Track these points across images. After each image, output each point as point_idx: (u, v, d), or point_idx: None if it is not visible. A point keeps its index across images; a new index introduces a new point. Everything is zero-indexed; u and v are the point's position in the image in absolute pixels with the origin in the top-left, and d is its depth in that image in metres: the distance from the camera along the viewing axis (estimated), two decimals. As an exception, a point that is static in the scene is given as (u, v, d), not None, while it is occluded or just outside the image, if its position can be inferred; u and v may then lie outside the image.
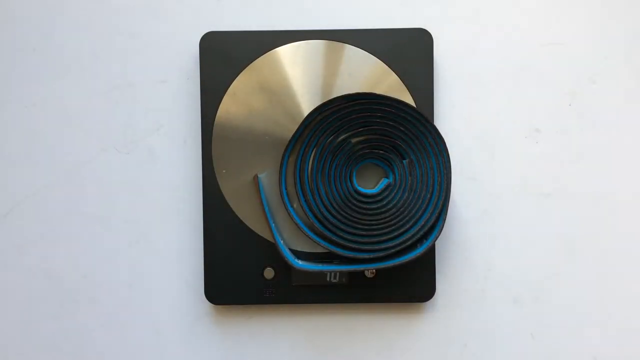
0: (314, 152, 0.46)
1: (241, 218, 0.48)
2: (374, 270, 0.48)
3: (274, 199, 0.48)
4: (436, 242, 0.48)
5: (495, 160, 0.50)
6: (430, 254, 0.48)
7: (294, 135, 0.46)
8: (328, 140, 0.46)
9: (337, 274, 0.48)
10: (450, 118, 0.50)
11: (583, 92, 0.50)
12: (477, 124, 0.50)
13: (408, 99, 0.48)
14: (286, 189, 0.47)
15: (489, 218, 0.50)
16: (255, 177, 0.47)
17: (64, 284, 0.50)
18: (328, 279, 0.49)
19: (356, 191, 0.46)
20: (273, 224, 0.47)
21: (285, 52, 0.48)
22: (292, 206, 0.47)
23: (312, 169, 0.46)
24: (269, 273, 0.48)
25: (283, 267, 0.48)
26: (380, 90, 0.48)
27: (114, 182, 0.50)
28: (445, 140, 0.50)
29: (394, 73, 0.48)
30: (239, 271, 0.48)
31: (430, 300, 0.49)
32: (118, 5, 0.50)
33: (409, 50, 0.48)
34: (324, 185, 0.46)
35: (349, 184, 0.46)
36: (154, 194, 0.50)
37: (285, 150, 0.46)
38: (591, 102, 0.50)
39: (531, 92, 0.50)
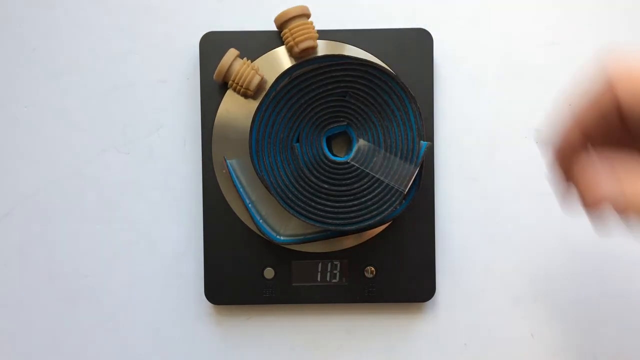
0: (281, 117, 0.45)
1: (241, 218, 0.48)
2: (374, 270, 0.48)
3: (249, 180, 0.47)
4: (436, 242, 0.48)
5: (495, 160, 0.50)
6: (430, 254, 0.48)
7: (262, 102, 0.44)
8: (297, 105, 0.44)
9: (337, 274, 0.48)
10: (451, 118, 0.50)
11: (583, 92, 0.50)
12: (477, 124, 0.50)
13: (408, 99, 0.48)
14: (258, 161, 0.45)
15: (489, 218, 0.50)
16: (224, 160, 0.47)
17: (64, 284, 0.50)
18: (328, 279, 0.49)
19: (327, 158, 0.45)
20: (250, 204, 0.47)
21: (286, 52, 0.48)
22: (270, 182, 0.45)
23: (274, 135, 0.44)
24: (269, 273, 0.48)
25: (283, 267, 0.48)
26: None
27: (114, 182, 0.50)
28: (445, 141, 0.50)
29: (394, 73, 0.48)
30: (239, 271, 0.48)
31: (430, 300, 0.49)
32: (118, 5, 0.50)
33: (409, 50, 0.48)
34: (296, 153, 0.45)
35: (319, 151, 0.45)
36: (154, 194, 0.50)
37: (254, 119, 0.44)
38: (591, 102, 0.50)
39: (531, 92, 0.50)
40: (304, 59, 0.45)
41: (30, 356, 0.50)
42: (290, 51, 0.47)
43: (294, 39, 0.46)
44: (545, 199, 0.50)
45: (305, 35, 0.46)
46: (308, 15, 0.46)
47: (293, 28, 0.46)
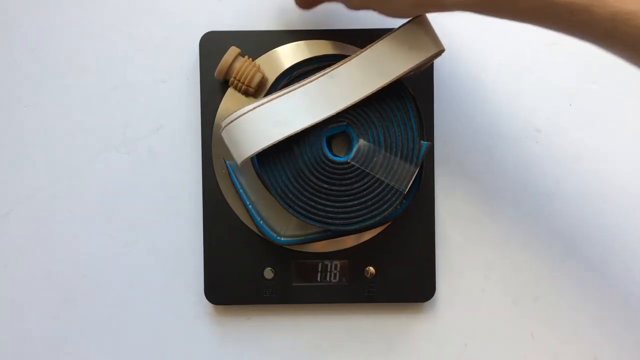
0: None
1: (241, 218, 0.48)
2: (374, 271, 0.48)
3: (249, 181, 0.47)
4: (436, 242, 0.48)
5: (495, 160, 0.50)
6: (430, 254, 0.48)
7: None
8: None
9: (337, 274, 0.48)
10: (450, 118, 0.50)
11: (583, 92, 0.50)
12: (477, 124, 0.50)
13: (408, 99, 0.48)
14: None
15: (489, 218, 0.50)
16: (224, 162, 0.47)
17: (64, 284, 0.50)
18: (328, 279, 0.48)
19: (327, 158, 0.45)
20: (250, 205, 0.47)
21: (285, 52, 0.48)
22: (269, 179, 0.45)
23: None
24: (269, 273, 0.48)
25: (283, 267, 0.48)
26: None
27: (114, 182, 0.50)
28: (445, 140, 0.50)
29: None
30: (239, 271, 0.48)
31: (430, 300, 0.49)
32: (118, 6, 0.50)
33: (409, 50, 0.48)
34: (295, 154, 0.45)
35: (319, 151, 0.45)
36: (154, 194, 0.50)
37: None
38: (591, 102, 0.50)
39: (531, 92, 0.50)
40: (304, 59, 0.45)
41: (31, 356, 0.50)
42: (246, 93, 0.47)
43: (243, 82, 0.46)
44: (545, 199, 0.50)
45: (251, 73, 0.46)
46: (240, 53, 0.47)
47: (237, 73, 0.46)
